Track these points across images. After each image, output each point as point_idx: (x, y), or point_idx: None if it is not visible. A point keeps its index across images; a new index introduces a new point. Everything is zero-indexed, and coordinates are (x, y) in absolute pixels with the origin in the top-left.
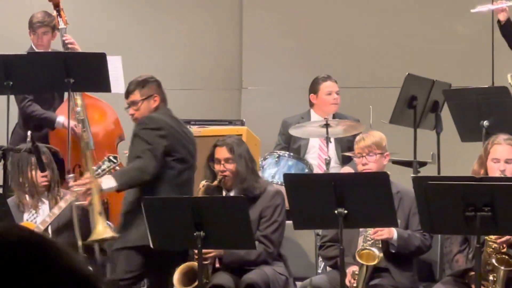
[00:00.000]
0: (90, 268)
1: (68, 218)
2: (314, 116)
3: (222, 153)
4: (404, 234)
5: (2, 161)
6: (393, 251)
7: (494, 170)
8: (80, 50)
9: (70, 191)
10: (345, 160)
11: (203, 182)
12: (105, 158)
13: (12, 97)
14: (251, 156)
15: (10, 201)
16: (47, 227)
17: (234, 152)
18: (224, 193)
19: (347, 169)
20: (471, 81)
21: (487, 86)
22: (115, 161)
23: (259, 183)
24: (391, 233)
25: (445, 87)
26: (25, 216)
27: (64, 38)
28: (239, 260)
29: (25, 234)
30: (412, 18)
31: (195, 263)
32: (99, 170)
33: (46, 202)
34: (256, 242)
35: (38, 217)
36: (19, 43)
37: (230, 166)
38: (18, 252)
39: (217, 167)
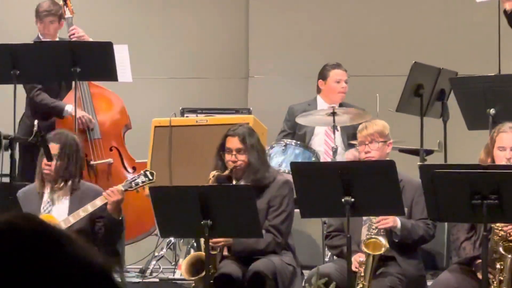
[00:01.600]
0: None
1: (82, 226)
2: (321, 102)
3: (234, 143)
4: (408, 224)
5: (9, 151)
6: (396, 241)
7: (501, 158)
8: (90, 39)
9: (100, 197)
10: (351, 148)
11: (214, 172)
12: (142, 172)
13: (19, 87)
14: (262, 146)
15: (32, 187)
16: (70, 227)
17: (246, 143)
18: (234, 183)
19: (352, 153)
20: (477, 69)
21: (493, 74)
22: (151, 177)
23: (270, 173)
24: (396, 222)
25: (452, 75)
26: (42, 204)
27: (72, 32)
28: (248, 249)
29: (38, 224)
30: (418, 6)
31: (203, 253)
32: (133, 183)
33: (63, 193)
34: (265, 232)
35: (54, 207)
36: (26, 32)
37: (242, 157)
38: (32, 242)
39: (228, 157)
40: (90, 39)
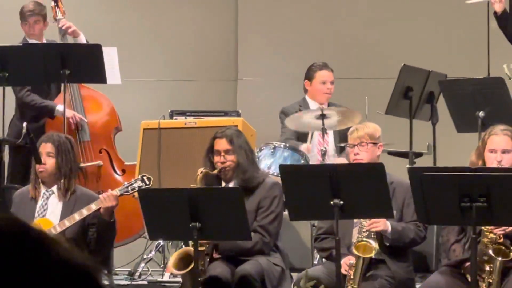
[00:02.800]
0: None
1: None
2: (311, 103)
3: (222, 144)
4: (398, 227)
5: None
6: (387, 244)
7: (491, 161)
8: (80, 33)
9: (96, 201)
10: (342, 151)
11: (201, 169)
12: (139, 177)
13: (8, 89)
14: (250, 147)
15: (27, 190)
16: (64, 230)
17: (234, 143)
18: (223, 184)
19: (341, 160)
20: (466, 72)
21: (482, 77)
22: (148, 182)
23: (259, 174)
24: (386, 225)
25: (441, 78)
26: (37, 207)
27: (61, 25)
28: (236, 248)
29: (20, 226)
30: (407, 8)
31: (191, 249)
32: (129, 188)
33: (55, 193)
34: (253, 233)
35: (47, 212)
36: (12, 35)
37: (231, 157)
38: (14, 244)
39: (216, 159)
40: (80, 33)
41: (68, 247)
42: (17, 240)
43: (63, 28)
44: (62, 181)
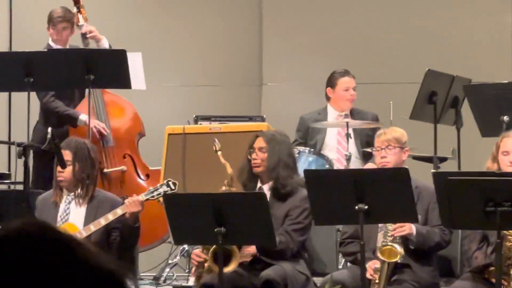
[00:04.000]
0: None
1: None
2: (331, 111)
3: (258, 142)
4: (423, 230)
5: (23, 158)
6: (412, 247)
7: (505, 163)
8: (102, 37)
9: (122, 206)
10: (366, 156)
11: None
12: (165, 182)
13: (32, 94)
14: (290, 152)
15: (49, 195)
16: (90, 235)
17: (269, 144)
18: (258, 185)
19: (370, 166)
20: (491, 77)
21: (507, 82)
22: (173, 187)
23: (293, 180)
24: (411, 229)
25: (465, 83)
26: (59, 211)
27: (82, 31)
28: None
29: (49, 230)
30: (432, 13)
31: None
32: (155, 193)
33: (80, 202)
34: (278, 234)
35: (70, 217)
36: (37, 39)
37: (262, 155)
38: (43, 248)
39: (253, 156)
40: (103, 37)
41: (95, 251)
42: (46, 244)
43: (85, 32)
44: (79, 187)
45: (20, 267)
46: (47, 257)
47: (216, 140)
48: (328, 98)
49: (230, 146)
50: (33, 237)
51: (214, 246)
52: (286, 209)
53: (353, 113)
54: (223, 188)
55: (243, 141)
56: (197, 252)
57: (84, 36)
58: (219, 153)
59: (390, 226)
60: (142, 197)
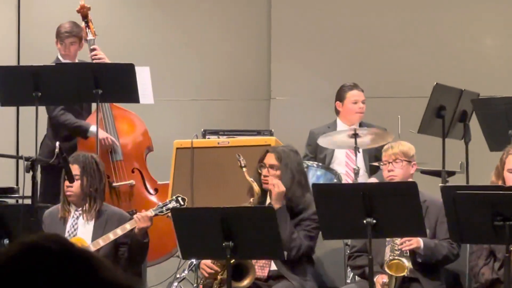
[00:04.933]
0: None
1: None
2: (341, 125)
3: (269, 159)
4: (431, 243)
5: (31, 172)
6: (420, 261)
7: (511, 180)
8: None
9: (131, 221)
10: (373, 170)
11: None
12: (174, 197)
13: (40, 108)
14: (302, 168)
15: (56, 210)
16: (99, 250)
17: (281, 161)
18: (267, 201)
19: (373, 180)
20: (499, 91)
21: None
22: (182, 203)
23: (305, 198)
24: (419, 242)
25: (474, 97)
26: (67, 227)
27: (92, 54)
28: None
29: (66, 245)
30: (440, 27)
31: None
32: (164, 209)
33: (88, 217)
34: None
35: (78, 232)
36: (46, 54)
37: (274, 173)
38: (60, 262)
39: (263, 172)
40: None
41: (110, 265)
42: (64, 259)
43: (94, 60)
44: (87, 202)
45: (37, 281)
46: (64, 271)
47: (241, 156)
48: (337, 112)
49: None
50: (49, 251)
51: (232, 260)
52: (297, 220)
53: (362, 127)
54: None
55: (251, 155)
56: (208, 263)
57: (92, 57)
58: (245, 169)
59: (397, 240)
60: (151, 212)
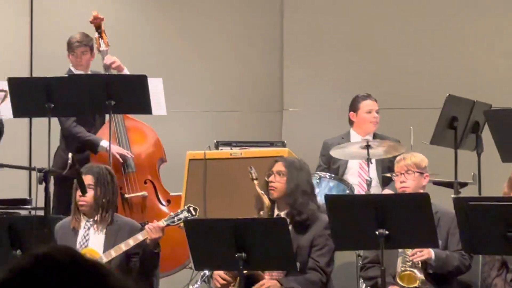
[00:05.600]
0: None
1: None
2: (354, 135)
3: (277, 166)
4: (442, 254)
5: (44, 184)
6: (431, 271)
7: None
8: (124, 67)
9: (142, 232)
10: (385, 181)
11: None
12: (185, 207)
13: (53, 120)
14: (309, 179)
15: (68, 222)
16: (110, 260)
17: (288, 169)
18: (275, 213)
19: (387, 191)
20: None
21: None
22: (194, 213)
23: (308, 207)
24: (430, 253)
25: (486, 108)
26: (78, 238)
27: (105, 62)
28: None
29: (77, 256)
30: (452, 38)
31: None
32: (175, 219)
33: (99, 228)
34: (312, 271)
35: (89, 243)
36: (58, 65)
37: (280, 179)
38: (72, 274)
39: (270, 178)
40: (125, 68)
41: (121, 276)
42: (76, 271)
43: (107, 63)
44: (99, 213)
45: None
46: (75, 282)
47: (253, 168)
48: (351, 123)
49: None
50: (62, 263)
51: (249, 272)
52: (310, 238)
53: (375, 138)
54: None
55: (264, 167)
56: (221, 273)
57: (106, 67)
58: (256, 182)
59: (409, 251)
60: (162, 223)
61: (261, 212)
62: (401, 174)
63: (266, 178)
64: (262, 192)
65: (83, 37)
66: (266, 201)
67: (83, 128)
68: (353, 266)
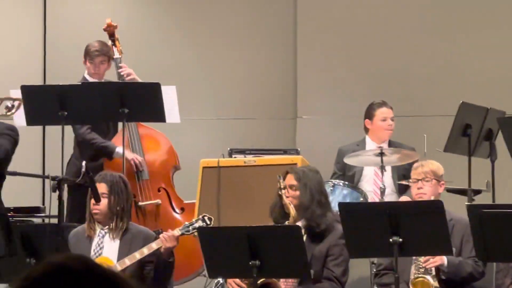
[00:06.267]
0: None
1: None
2: (369, 143)
3: (289, 179)
4: (455, 260)
5: (58, 192)
6: (444, 277)
7: None
8: (138, 79)
9: (157, 241)
10: (401, 189)
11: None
12: (200, 217)
13: (67, 128)
14: (322, 188)
15: (82, 230)
16: (125, 269)
17: (300, 180)
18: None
19: (405, 199)
20: None
21: None
22: (208, 222)
23: (326, 218)
24: (443, 259)
25: (500, 115)
26: (93, 245)
27: (120, 70)
28: None
29: (92, 265)
30: (466, 46)
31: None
32: (190, 228)
33: (113, 236)
34: (328, 281)
35: (104, 251)
36: (72, 73)
37: (293, 193)
38: (86, 283)
39: (284, 192)
40: (138, 78)
41: (136, 286)
42: (90, 279)
43: (123, 74)
44: (114, 221)
45: None
46: None
47: (282, 177)
48: (366, 130)
49: (265, 179)
50: (77, 272)
51: (262, 279)
52: (326, 247)
53: (390, 146)
54: None
55: (277, 175)
56: (237, 280)
57: (120, 74)
58: (284, 191)
59: (421, 259)
60: (177, 232)
61: (286, 223)
62: (418, 180)
63: (279, 192)
64: (290, 202)
65: (102, 46)
66: (293, 211)
67: (97, 134)
68: (367, 274)
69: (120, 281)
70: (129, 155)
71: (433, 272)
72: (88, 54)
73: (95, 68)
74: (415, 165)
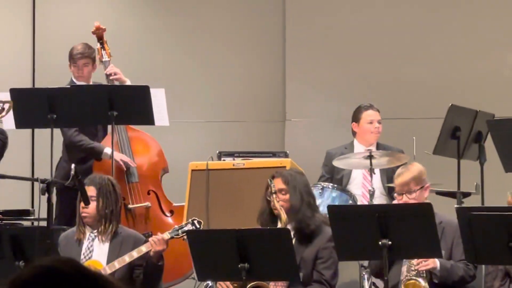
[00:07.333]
0: None
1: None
2: (358, 146)
3: (277, 183)
4: (447, 264)
5: (47, 194)
6: (436, 281)
7: None
8: (126, 80)
9: (146, 244)
10: (391, 191)
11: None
12: (190, 220)
13: (56, 131)
14: (309, 190)
15: (72, 233)
16: (114, 272)
17: (288, 184)
18: (279, 225)
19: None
20: None
21: None
22: (198, 226)
23: (315, 218)
24: (435, 263)
25: (489, 118)
26: (82, 249)
27: (107, 71)
28: None
29: (79, 268)
30: (455, 48)
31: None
32: (179, 231)
33: (103, 239)
34: (318, 284)
35: (94, 254)
36: (61, 76)
37: (283, 197)
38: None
39: (274, 197)
40: (127, 80)
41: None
42: (78, 282)
43: (109, 74)
44: (103, 223)
45: None
46: None
47: (273, 182)
48: (354, 133)
49: (254, 182)
50: (65, 275)
51: (254, 283)
52: (315, 250)
53: (379, 148)
54: None
55: (266, 177)
56: (227, 283)
57: (108, 76)
58: (274, 196)
59: (414, 260)
60: (166, 235)
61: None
62: (401, 194)
63: (267, 197)
64: (280, 206)
65: (85, 49)
66: (284, 216)
67: (85, 136)
68: (356, 276)
69: (108, 284)
70: (117, 155)
71: (425, 274)
72: (71, 57)
73: (78, 71)
74: (396, 173)
